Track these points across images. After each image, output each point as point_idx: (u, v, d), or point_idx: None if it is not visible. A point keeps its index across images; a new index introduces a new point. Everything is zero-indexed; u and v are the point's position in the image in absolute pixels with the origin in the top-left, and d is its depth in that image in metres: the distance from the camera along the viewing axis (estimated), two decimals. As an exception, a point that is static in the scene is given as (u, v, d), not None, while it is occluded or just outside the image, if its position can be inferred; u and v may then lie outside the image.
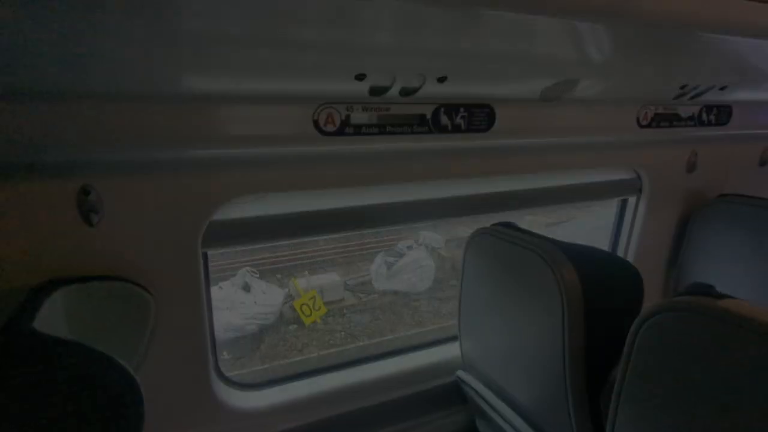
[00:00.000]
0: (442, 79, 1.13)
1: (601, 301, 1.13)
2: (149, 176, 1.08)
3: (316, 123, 1.13)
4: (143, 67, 0.88)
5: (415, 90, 1.17)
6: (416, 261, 7.85)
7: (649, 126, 1.60)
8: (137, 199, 1.08)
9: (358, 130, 1.18)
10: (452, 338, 1.76)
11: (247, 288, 7.09)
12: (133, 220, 1.09)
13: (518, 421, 1.35)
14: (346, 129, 1.17)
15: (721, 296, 0.83)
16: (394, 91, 1.15)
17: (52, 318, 0.90)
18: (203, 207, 1.15)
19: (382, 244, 8.88)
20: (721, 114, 1.74)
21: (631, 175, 1.86)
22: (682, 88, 1.49)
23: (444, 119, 1.27)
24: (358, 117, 1.17)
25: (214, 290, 6.74)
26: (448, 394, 1.71)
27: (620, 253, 1.95)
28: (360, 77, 1.04)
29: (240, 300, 6.83)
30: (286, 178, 1.21)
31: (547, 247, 1.16)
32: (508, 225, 1.40)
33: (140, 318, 1.10)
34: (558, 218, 9.91)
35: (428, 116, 1.25)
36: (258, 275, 7.42)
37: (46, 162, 0.98)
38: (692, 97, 1.58)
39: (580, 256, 1.16)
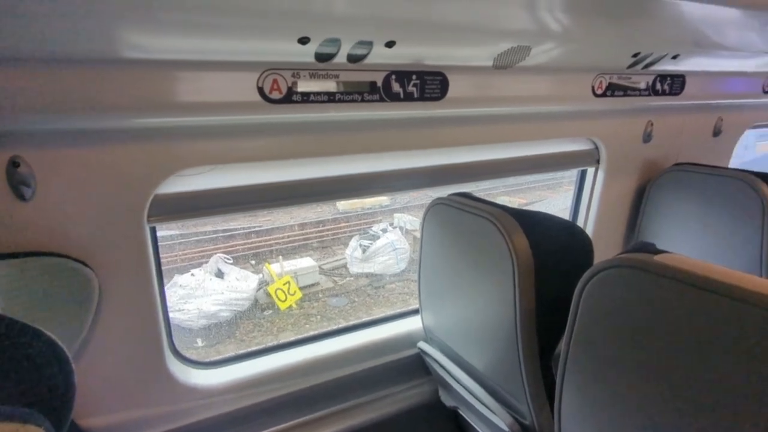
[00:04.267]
0: (390, 44, 1.11)
1: (550, 266, 1.15)
2: (86, 147, 1.03)
3: (261, 90, 1.10)
4: (75, 27, 0.83)
5: (362, 56, 1.14)
6: (391, 243, 7.88)
7: (603, 95, 1.62)
8: (74, 171, 1.03)
9: (306, 98, 1.15)
10: (414, 311, 1.77)
11: (220, 274, 7.00)
12: (71, 194, 1.04)
13: (476, 389, 1.36)
14: (293, 96, 1.14)
15: (659, 252, 0.85)
16: (342, 57, 1.12)
17: None
18: (147, 179, 1.11)
19: (357, 228, 8.87)
20: (675, 84, 1.77)
21: (590, 146, 1.88)
22: (635, 56, 1.50)
23: (395, 87, 1.25)
24: (306, 84, 1.14)
25: (186, 278, 6.65)
26: (411, 366, 1.72)
27: (580, 222, 1.99)
28: (303, 41, 1.01)
29: (213, 287, 6.74)
30: (233, 149, 1.18)
31: (498, 214, 1.16)
32: (464, 195, 1.40)
33: (83, 295, 1.07)
34: (531, 199, 10.10)
35: (379, 83, 1.23)
36: (231, 261, 7.33)
37: None
38: (645, 66, 1.59)
39: (530, 221, 1.16)
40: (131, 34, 0.89)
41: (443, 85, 1.32)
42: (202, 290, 6.64)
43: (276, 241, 8.33)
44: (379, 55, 1.16)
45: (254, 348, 1.57)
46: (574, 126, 1.73)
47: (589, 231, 1.96)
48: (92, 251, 1.09)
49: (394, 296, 7.46)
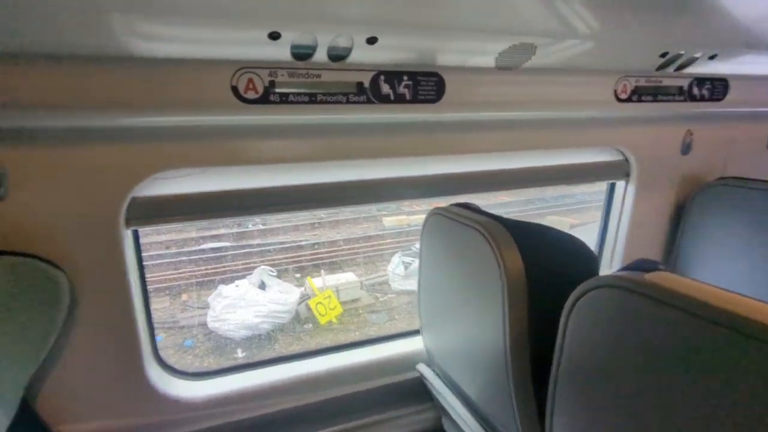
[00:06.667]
0: (372, 41, 1.04)
1: (546, 282, 1.01)
2: (61, 146, 1.03)
3: (234, 89, 1.06)
4: (52, 22, 0.82)
5: (344, 55, 1.08)
6: (433, 261, 7.69)
7: (629, 100, 1.45)
8: (48, 171, 1.03)
9: (285, 98, 1.10)
10: (416, 331, 1.65)
11: (263, 286, 7.10)
12: (44, 194, 1.04)
13: (470, 420, 1.23)
14: (271, 97, 1.09)
15: (655, 269, 0.71)
16: (321, 54, 1.06)
17: None
18: (123, 181, 1.09)
19: (400, 244, 8.79)
20: (716, 88, 1.57)
21: (618, 157, 1.70)
22: (663, 56, 1.34)
23: (385, 88, 1.18)
24: (284, 84, 1.09)
25: (230, 288, 6.79)
26: (413, 390, 1.60)
27: (609, 242, 1.80)
28: (274, 35, 0.96)
29: (256, 298, 6.84)
30: (209, 151, 1.14)
31: (488, 223, 1.04)
32: (464, 205, 1.28)
33: (52, 297, 1.05)
34: (585, 220, 9.58)
35: (366, 84, 1.16)
36: (275, 273, 7.43)
37: None
38: (678, 68, 1.42)
39: (524, 232, 1.04)
40: (102, 33, 0.87)
41: (439, 87, 1.23)
42: (244, 301, 6.76)
43: (321, 255, 8.42)
44: (364, 54, 1.09)
45: (246, 361, 1.51)
46: (597, 134, 1.57)
47: (618, 251, 1.77)
48: (65, 253, 1.08)
49: (434, 315, 7.26)
